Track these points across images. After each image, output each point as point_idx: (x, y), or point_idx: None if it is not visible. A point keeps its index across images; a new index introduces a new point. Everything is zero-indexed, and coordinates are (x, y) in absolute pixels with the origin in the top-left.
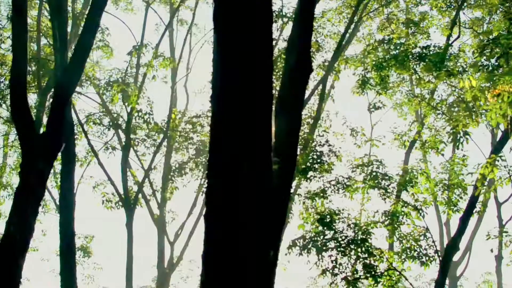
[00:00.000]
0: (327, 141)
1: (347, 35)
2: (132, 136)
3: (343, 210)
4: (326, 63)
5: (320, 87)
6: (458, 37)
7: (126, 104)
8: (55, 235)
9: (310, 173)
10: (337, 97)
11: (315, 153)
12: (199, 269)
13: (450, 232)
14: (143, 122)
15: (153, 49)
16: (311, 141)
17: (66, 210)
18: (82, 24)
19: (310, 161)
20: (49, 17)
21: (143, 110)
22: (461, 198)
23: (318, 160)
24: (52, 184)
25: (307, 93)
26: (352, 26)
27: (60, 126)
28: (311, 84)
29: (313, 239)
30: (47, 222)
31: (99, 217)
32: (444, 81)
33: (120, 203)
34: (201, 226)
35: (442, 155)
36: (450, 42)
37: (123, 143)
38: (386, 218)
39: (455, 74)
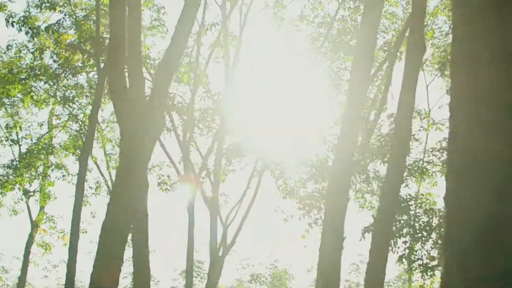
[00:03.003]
0: None
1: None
2: (185, 117)
3: (421, 195)
4: (392, 45)
5: (382, 70)
6: None
7: (192, 84)
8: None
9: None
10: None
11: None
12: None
13: None
14: (213, 103)
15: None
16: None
17: None
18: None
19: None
20: None
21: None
22: None
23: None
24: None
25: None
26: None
27: (165, 103)
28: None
29: None
30: (97, 204)
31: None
32: None
33: (176, 185)
34: (254, 210)
35: None
36: None
37: (175, 125)
38: None
39: None
